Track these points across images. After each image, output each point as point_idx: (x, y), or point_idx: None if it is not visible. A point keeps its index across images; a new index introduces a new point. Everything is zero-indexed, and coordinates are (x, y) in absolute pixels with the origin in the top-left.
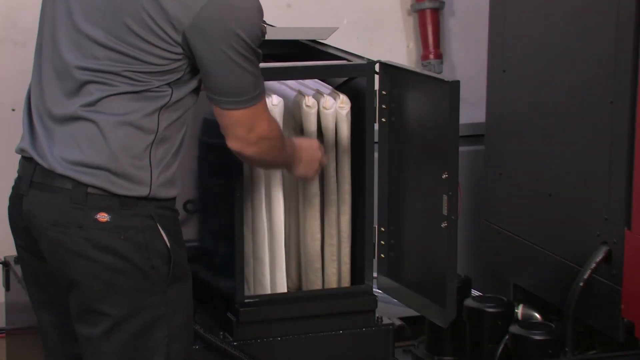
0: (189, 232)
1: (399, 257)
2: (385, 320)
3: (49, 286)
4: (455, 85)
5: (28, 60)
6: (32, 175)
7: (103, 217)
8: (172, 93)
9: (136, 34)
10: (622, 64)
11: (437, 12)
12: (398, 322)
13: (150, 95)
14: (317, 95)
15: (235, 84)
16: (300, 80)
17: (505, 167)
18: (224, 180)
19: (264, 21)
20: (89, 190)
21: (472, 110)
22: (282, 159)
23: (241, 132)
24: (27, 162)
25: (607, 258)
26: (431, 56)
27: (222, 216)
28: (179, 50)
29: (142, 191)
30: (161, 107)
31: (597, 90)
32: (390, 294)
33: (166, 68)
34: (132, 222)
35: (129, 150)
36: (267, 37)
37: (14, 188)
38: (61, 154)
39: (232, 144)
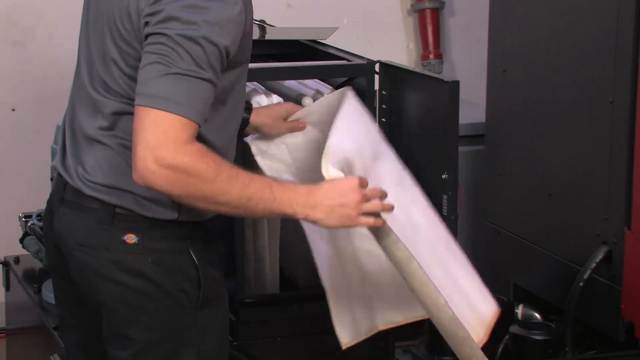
0: None
1: None
2: None
3: (76, 307)
4: (454, 85)
5: (28, 60)
6: (63, 192)
7: (131, 238)
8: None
9: (119, 45)
10: (622, 64)
11: (437, 12)
12: None
13: None
14: (317, 95)
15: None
16: (300, 80)
17: (505, 167)
18: None
19: (264, 21)
20: (117, 210)
21: (472, 110)
22: (230, 191)
23: (142, 142)
24: (59, 178)
25: (607, 258)
26: (431, 56)
27: (222, 216)
28: None
29: (171, 215)
30: None
31: (597, 90)
32: None
33: None
34: (161, 244)
35: None
36: (267, 37)
37: (47, 203)
38: (87, 175)
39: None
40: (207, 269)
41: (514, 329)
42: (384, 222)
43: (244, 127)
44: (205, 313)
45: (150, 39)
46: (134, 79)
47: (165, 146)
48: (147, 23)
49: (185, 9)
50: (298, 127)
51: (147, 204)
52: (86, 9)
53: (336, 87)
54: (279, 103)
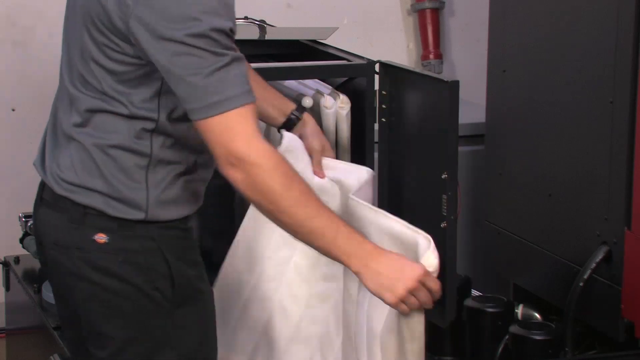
0: None
1: None
2: None
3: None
4: (454, 85)
5: (28, 60)
6: (42, 191)
7: (101, 238)
8: (158, 111)
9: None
10: (622, 64)
11: (437, 12)
12: None
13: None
14: (317, 95)
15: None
16: (300, 80)
17: (505, 167)
18: (224, 180)
19: (264, 21)
20: (87, 210)
21: (472, 110)
22: (294, 215)
23: (216, 148)
24: (41, 177)
25: (607, 258)
26: (431, 56)
27: (222, 216)
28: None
29: (138, 215)
30: (152, 129)
31: (597, 90)
32: None
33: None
34: (131, 244)
35: (121, 173)
36: (267, 37)
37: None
38: (60, 173)
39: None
40: (181, 267)
41: (514, 329)
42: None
43: (286, 125)
44: (183, 312)
45: (162, 48)
46: (113, 73)
47: (236, 140)
48: (139, 21)
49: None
50: (319, 171)
51: (114, 204)
52: (67, 4)
53: (336, 87)
54: (325, 141)
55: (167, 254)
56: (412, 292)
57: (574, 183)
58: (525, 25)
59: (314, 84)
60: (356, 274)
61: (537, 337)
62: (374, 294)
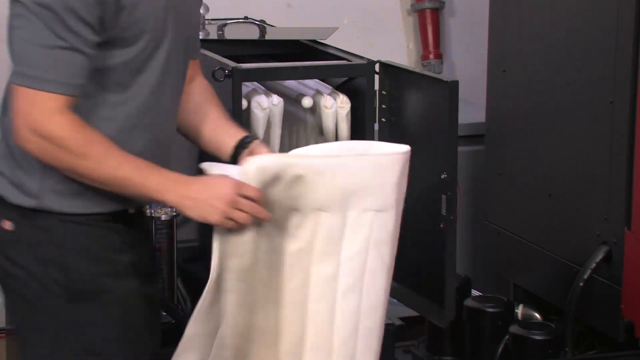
0: (189, 232)
1: (399, 257)
2: (386, 320)
3: None
4: (454, 85)
5: None
6: None
7: (7, 225)
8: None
9: None
10: (622, 64)
11: (437, 12)
12: (398, 322)
13: None
14: (317, 95)
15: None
16: (300, 80)
17: (505, 167)
18: None
19: (264, 21)
20: None
21: (472, 110)
22: (101, 170)
23: (17, 118)
24: None
25: (607, 258)
26: (431, 56)
27: None
28: None
29: (29, 202)
30: None
31: (597, 90)
32: (390, 294)
33: None
34: (35, 234)
35: (22, 159)
36: (267, 37)
37: None
38: None
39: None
40: (80, 262)
41: (514, 329)
42: (238, 227)
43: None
44: (82, 306)
45: (10, 7)
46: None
47: (35, 115)
48: None
49: None
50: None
51: (11, 189)
52: None
53: (336, 87)
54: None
55: (65, 247)
56: (232, 205)
57: (574, 183)
58: (525, 25)
59: (314, 84)
60: (176, 207)
61: (537, 337)
62: (200, 220)
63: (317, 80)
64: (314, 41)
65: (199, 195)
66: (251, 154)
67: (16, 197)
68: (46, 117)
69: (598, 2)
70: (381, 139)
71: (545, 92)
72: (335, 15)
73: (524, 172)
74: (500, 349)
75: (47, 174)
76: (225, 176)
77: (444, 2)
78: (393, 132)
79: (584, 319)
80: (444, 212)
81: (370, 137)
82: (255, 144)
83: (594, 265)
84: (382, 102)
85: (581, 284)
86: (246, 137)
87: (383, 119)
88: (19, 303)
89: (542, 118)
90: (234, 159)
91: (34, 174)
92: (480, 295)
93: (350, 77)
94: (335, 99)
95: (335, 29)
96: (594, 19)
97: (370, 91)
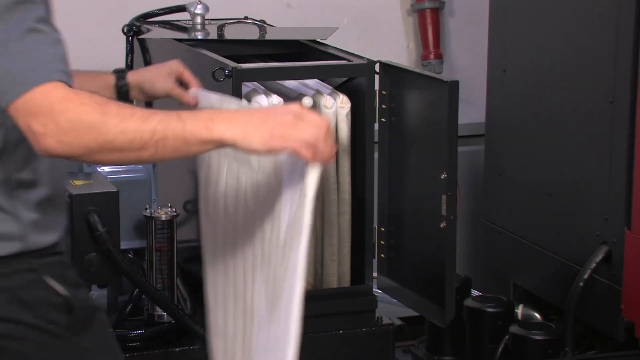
0: (189, 232)
1: (399, 257)
2: (385, 320)
3: None
4: (454, 85)
5: None
6: None
7: None
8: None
9: None
10: (622, 64)
11: (437, 12)
12: (398, 322)
13: None
14: (317, 95)
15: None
16: (300, 80)
17: (505, 167)
18: None
19: (264, 21)
20: None
21: (472, 110)
22: (130, 133)
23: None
24: None
25: (607, 258)
26: (431, 56)
27: None
28: None
29: (12, 247)
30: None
31: (597, 90)
32: (390, 294)
33: None
34: (10, 281)
35: None
36: (267, 37)
37: None
38: None
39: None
40: (71, 292)
41: (514, 329)
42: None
43: (125, 96)
44: (85, 336)
45: None
46: None
47: (42, 116)
48: None
49: None
50: (186, 97)
51: None
52: None
53: (336, 87)
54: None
55: (53, 282)
56: (326, 137)
57: (574, 183)
58: (525, 25)
59: (314, 84)
60: (237, 143)
61: (537, 337)
62: (270, 150)
63: (317, 80)
64: (314, 41)
65: (267, 121)
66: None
67: None
68: (54, 110)
69: (598, 2)
70: (381, 139)
71: (545, 92)
72: (335, 15)
73: (524, 172)
74: (500, 349)
75: (27, 210)
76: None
77: (444, 2)
78: (393, 132)
79: (584, 319)
80: (444, 212)
81: (370, 137)
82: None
83: (594, 265)
84: (382, 102)
85: (581, 284)
86: (115, 70)
87: (383, 119)
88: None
89: (542, 118)
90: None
91: (10, 217)
92: (480, 295)
93: (350, 77)
94: (335, 99)
95: (335, 29)
96: (594, 19)
97: (370, 91)
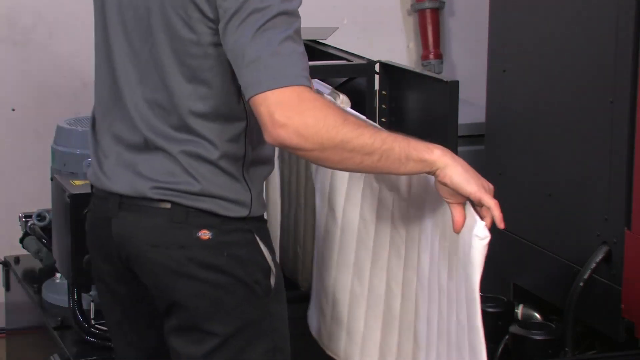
0: None
1: None
2: None
3: (133, 309)
4: (454, 85)
5: (28, 60)
6: (120, 197)
7: (205, 234)
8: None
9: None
10: (622, 64)
11: (437, 12)
12: None
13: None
14: None
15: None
16: None
17: (505, 167)
18: None
19: None
20: (189, 210)
21: (472, 110)
22: (363, 141)
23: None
24: (106, 189)
25: (607, 258)
26: (431, 56)
27: None
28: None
29: (243, 212)
30: (245, 129)
31: (597, 90)
32: None
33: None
34: (233, 237)
35: (224, 175)
36: None
37: (92, 211)
38: (153, 184)
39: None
40: (274, 259)
41: (514, 329)
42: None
43: None
44: (275, 302)
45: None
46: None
47: (289, 109)
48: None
49: None
50: None
51: (220, 203)
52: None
53: (336, 87)
54: None
55: (263, 245)
56: (489, 191)
57: (574, 183)
58: (525, 25)
59: (314, 84)
60: (448, 167)
61: (537, 337)
62: (457, 186)
63: (317, 80)
64: (314, 41)
65: (468, 168)
66: None
67: (228, 210)
68: (299, 104)
69: (598, 2)
70: None
71: (545, 92)
72: (335, 15)
73: (524, 172)
74: (500, 349)
75: (254, 185)
76: None
77: (444, 2)
78: (393, 132)
79: (584, 319)
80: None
81: None
82: None
83: (594, 265)
84: (382, 102)
85: (581, 284)
86: None
87: (383, 119)
88: (217, 312)
89: (542, 118)
90: None
91: (243, 186)
92: (480, 295)
93: (350, 77)
94: (335, 99)
95: (335, 29)
96: (594, 19)
97: (370, 91)
